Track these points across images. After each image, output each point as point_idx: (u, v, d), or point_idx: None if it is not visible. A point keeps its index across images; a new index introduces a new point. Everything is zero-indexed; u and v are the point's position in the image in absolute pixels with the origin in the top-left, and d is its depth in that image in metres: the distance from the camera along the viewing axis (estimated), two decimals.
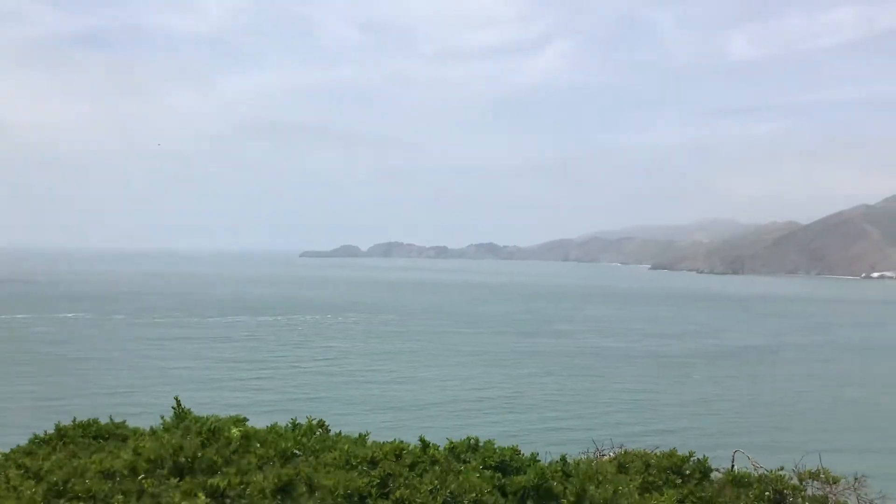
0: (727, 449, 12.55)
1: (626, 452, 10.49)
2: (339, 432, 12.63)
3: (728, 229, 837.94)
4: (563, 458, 10.14)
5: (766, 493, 8.71)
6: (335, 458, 9.94)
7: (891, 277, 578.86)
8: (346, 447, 10.25)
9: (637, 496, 8.62)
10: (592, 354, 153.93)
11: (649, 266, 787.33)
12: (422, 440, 11.69)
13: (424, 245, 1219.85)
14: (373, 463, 9.87)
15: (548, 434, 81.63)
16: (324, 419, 12.71)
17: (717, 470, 10.21)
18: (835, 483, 8.81)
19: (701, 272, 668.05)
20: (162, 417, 12.40)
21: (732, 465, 10.56)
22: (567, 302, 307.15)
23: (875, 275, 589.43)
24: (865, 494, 8.82)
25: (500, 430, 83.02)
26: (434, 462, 10.16)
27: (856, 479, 8.89)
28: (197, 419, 11.88)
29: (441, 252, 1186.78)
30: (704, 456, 9.82)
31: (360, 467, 9.77)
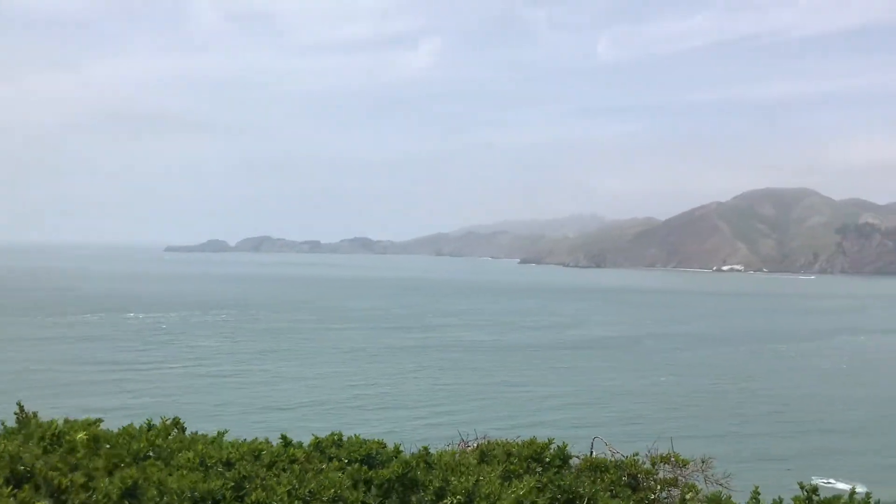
0: (588, 436, 12.87)
1: (489, 442, 10.57)
2: (196, 432, 12.04)
3: (593, 224, 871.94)
4: (426, 450, 10.07)
5: (622, 478, 9.02)
6: (189, 460, 9.42)
7: (739, 270, 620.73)
8: (200, 448, 9.74)
9: (498, 485, 8.67)
10: (464, 348, 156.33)
11: (519, 260, 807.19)
12: (283, 438, 11.32)
13: (296, 240, 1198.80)
14: (228, 464, 9.41)
15: (419, 427, 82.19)
16: (179, 418, 12.07)
17: (577, 456, 10.47)
18: (684, 465, 9.20)
19: (567, 266, 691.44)
20: (2, 424, 11.40)
21: (591, 452, 10.84)
22: (440, 296, 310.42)
23: (725, 267, 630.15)
24: (712, 475, 9.28)
25: (373, 426, 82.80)
26: (294, 461, 9.83)
27: (703, 461, 9.34)
28: (41, 424, 11.03)
29: (314, 247, 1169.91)
30: (564, 443, 10.03)
31: (215, 469, 9.30)
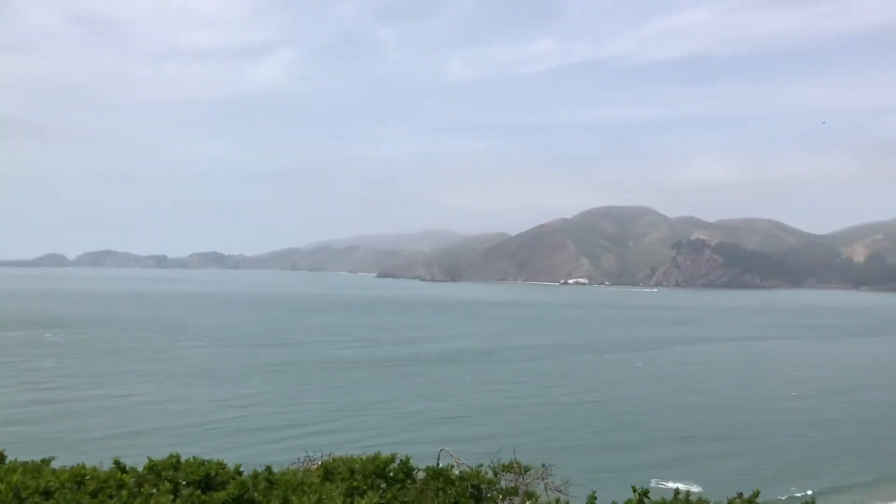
0: (438, 448, 12.89)
1: (333, 459, 10.34)
2: (16, 459, 11.05)
3: (446, 239, 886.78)
4: (269, 469, 9.71)
5: (466, 489, 9.06)
6: (1, 492, 8.58)
7: (584, 283, 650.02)
8: (15, 478, 8.89)
9: (340, 502, 8.47)
10: (321, 364, 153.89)
11: (375, 274, 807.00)
12: (116, 462, 10.60)
13: (141, 254, 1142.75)
14: (47, 493, 8.65)
15: (269, 447, 79.89)
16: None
17: (423, 470, 10.43)
18: (525, 473, 9.38)
19: (423, 279, 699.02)
20: None
21: (438, 464, 10.83)
22: (295, 312, 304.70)
23: (571, 281, 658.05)
24: (552, 482, 9.52)
25: (222, 447, 79.69)
26: (122, 486, 9.18)
27: (544, 468, 9.56)
28: None
29: (160, 261, 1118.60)
30: (407, 457, 9.96)
31: (31, 499, 8.52)
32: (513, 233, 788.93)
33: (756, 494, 8.24)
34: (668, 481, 76.06)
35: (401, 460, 9.61)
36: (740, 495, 7.90)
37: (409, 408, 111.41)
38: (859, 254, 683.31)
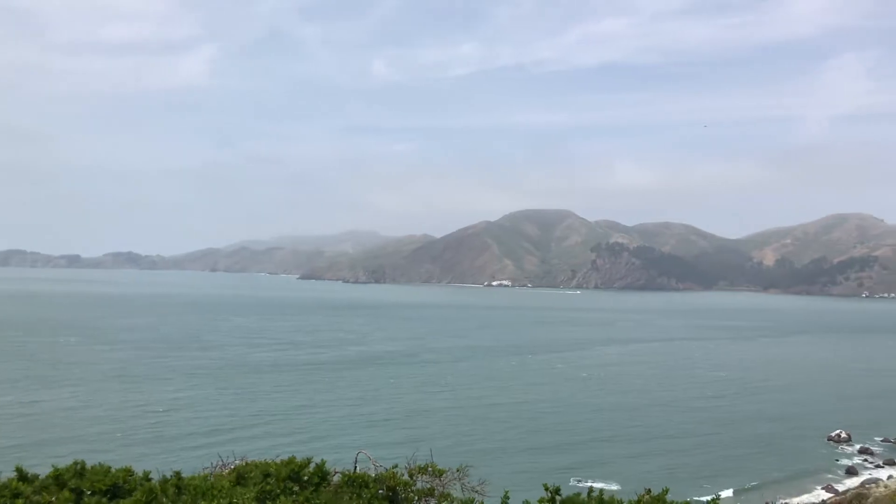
0: (357, 451, 12.76)
1: (246, 464, 10.11)
2: None
3: (371, 241, 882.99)
4: (178, 475, 9.42)
5: (381, 491, 8.99)
6: None
7: (507, 285, 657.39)
8: None
9: None
10: (241, 367, 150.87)
11: (298, 275, 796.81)
12: (18, 470, 10.11)
13: (53, 253, 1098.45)
14: None
15: (187, 454, 77.84)
16: None
17: (340, 473, 10.32)
18: (440, 475, 9.38)
19: (347, 281, 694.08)
20: None
21: (355, 467, 10.74)
22: (215, 314, 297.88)
23: (495, 283, 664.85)
24: (468, 482, 9.55)
25: (135, 456, 77.33)
26: (18, 495, 8.75)
27: (459, 469, 9.59)
28: None
29: (73, 261, 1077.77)
30: (322, 460, 9.83)
31: None
32: (438, 235, 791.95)
33: (665, 492, 8.45)
34: (586, 481, 77.57)
35: (316, 464, 9.46)
36: (648, 491, 8.10)
37: (331, 412, 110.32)
38: (769, 258, 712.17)
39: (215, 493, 8.59)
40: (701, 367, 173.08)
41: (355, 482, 9.22)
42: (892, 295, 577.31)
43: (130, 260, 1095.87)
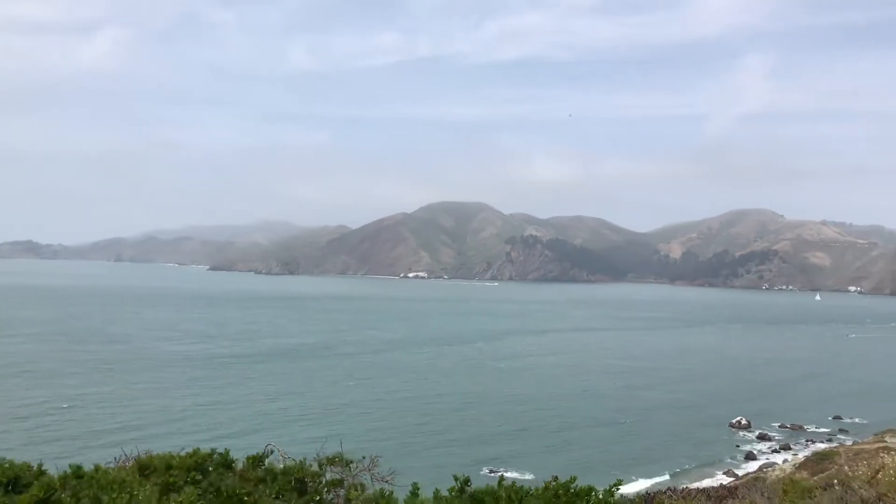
0: (267, 443, 12.50)
1: (150, 456, 9.78)
2: None
3: (285, 231, 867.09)
4: (78, 468, 9.02)
5: (290, 483, 8.83)
6: None
7: (423, 277, 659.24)
8: None
9: (155, 499, 8.01)
10: (148, 361, 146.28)
11: (208, 267, 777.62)
12: None
13: None
14: None
15: (91, 453, 75.02)
16: None
17: (252, 458, 10.07)
18: (349, 465, 9.30)
19: (259, 273, 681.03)
20: None
21: (264, 459, 10.50)
22: (122, 305, 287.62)
23: (411, 274, 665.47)
24: (378, 473, 9.50)
25: (36, 452, 74.08)
26: None
27: (370, 460, 9.53)
28: None
29: None
30: (226, 450, 9.59)
31: None
32: (354, 226, 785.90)
33: (572, 480, 8.61)
34: (500, 471, 78.63)
35: (220, 454, 9.21)
36: (555, 478, 8.23)
37: (243, 407, 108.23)
38: (675, 251, 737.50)
39: (116, 486, 8.27)
40: (612, 356, 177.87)
41: (266, 474, 9.03)
42: (790, 287, 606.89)
43: (30, 249, 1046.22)
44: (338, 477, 9.16)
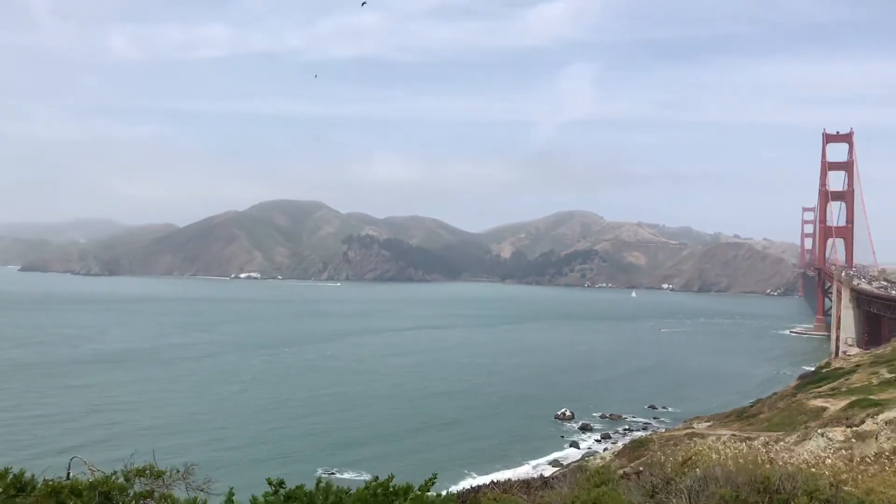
0: (69, 456, 11.72)
1: None
2: None
3: (106, 230, 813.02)
4: None
5: (95, 497, 8.31)
6: None
7: (256, 277, 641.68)
8: None
9: None
10: None
11: (19, 267, 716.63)
12: None
13: None
14: None
15: None
16: None
17: (49, 481, 9.38)
18: (160, 476, 8.90)
19: (77, 273, 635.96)
20: None
21: (68, 474, 9.85)
22: None
23: (243, 275, 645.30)
24: (193, 482, 9.16)
25: None
26: None
27: (186, 469, 9.17)
28: None
29: None
30: (21, 470, 8.87)
31: None
32: (181, 224, 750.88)
33: (390, 479, 8.73)
34: (334, 472, 78.19)
35: (14, 474, 8.50)
36: (375, 478, 8.30)
37: (56, 418, 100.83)
38: (506, 251, 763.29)
39: None
40: (449, 354, 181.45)
41: (64, 490, 8.41)
42: (610, 285, 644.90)
43: None
44: (147, 488, 8.74)
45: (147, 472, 8.83)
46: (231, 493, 8.89)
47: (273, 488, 8.24)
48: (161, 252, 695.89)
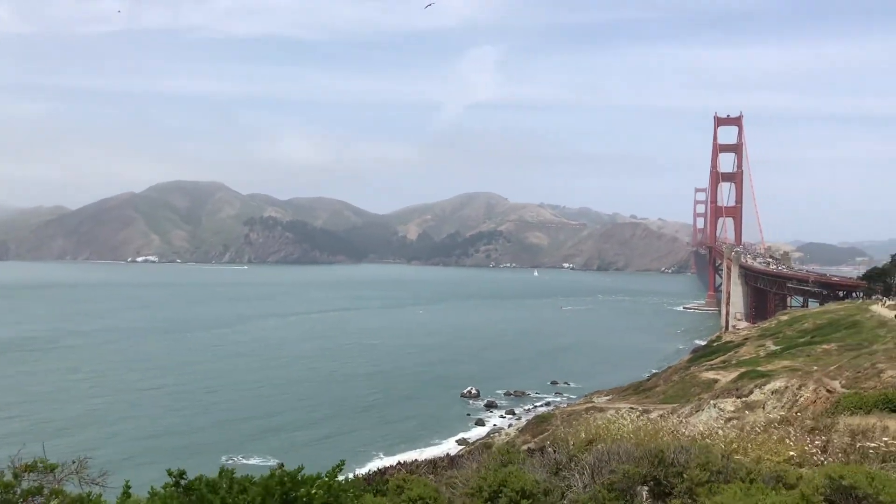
0: None
1: None
2: None
3: None
4: None
5: None
6: None
7: (153, 261, 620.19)
8: None
9: None
10: None
11: None
12: None
13: None
14: None
15: None
16: None
17: None
18: (51, 471, 8.50)
19: None
20: None
21: None
22: None
23: (140, 259, 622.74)
24: (87, 475, 8.80)
25: None
26: None
27: (78, 462, 8.79)
28: None
29: None
30: None
31: None
32: (73, 207, 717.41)
33: (299, 469, 8.60)
34: (240, 458, 76.91)
35: None
36: (281, 466, 8.15)
37: None
38: (412, 232, 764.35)
39: None
40: (355, 337, 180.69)
41: None
42: (514, 265, 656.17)
43: None
44: (37, 484, 8.32)
45: (38, 466, 8.40)
46: (127, 486, 8.57)
47: (173, 479, 7.99)
48: (52, 236, 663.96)
